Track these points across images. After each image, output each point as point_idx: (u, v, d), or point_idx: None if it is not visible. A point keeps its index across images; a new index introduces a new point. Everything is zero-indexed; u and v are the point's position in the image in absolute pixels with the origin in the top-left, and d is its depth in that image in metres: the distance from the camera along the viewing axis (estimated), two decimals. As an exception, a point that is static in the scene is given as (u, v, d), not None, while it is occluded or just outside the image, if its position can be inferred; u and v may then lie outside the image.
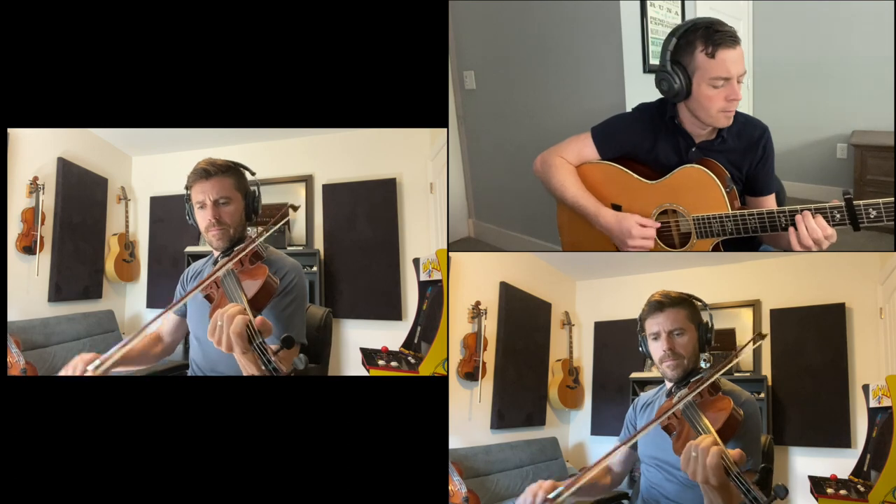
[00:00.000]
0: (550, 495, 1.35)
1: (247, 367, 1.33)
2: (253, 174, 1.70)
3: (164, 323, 1.89)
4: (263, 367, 1.27)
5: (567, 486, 1.37)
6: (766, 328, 3.23)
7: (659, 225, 1.79)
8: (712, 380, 1.43)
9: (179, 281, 1.86)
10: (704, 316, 1.59)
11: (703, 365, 1.57)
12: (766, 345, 3.21)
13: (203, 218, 1.63)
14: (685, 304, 1.58)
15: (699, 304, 1.60)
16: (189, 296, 1.51)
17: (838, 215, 1.54)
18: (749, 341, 1.62)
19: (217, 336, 1.29)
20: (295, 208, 1.65)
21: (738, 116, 1.75)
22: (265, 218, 1.65)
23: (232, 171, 1.66)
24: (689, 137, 1.79)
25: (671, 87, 1.69)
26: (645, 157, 1.85)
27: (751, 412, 1.49)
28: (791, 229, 1.59)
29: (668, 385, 1.62)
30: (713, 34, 1.64)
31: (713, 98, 1.67)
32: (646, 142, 1.83)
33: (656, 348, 1.58)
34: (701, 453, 1.26)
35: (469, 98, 3.49)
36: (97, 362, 1.43)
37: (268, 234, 1.50)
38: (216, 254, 1.70)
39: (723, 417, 1.37)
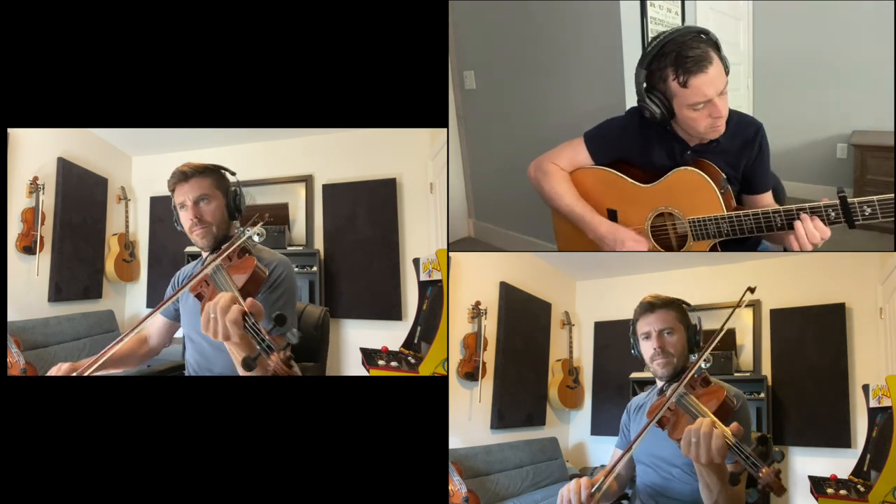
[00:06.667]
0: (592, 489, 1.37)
1: (237, 354, 1.33)
2: (233, 174, 1.73)
3: (152, 324, 1.91)
4: (258, 347, 1.26)
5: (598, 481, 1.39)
6: (766, 328, 3.23)
7: (648, 245, 1.81)
8: (700, 361, 1.48)
9: (170, 284, 1.87)
10: (693, 318, 1.66)
11: (703, 366, 1.57)
12: (765, 345, 3.21)
13: (185, 219, 1.67)
14: (674, 305, 1.65)
15: (687, 306, 1.67)
16: (176, 295, 1.56)
17: (833, 213, 1.55)
18: (740, 301, 1.65)
19: (212, 328, 1.29)
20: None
21: (732, 115, 1.73)
22: (270, 219, 1.67)
23: (210, 171, 1.70)
24: (684, 142, 1.78)
25: (653, 115, 1.69)
26: (639, 160, 1.84)
27: (742, 403, 1.54)
28: (791, 233, 1.59)
29: (660, 384, 1.66)
30: (683, 62, 1.59)
31: (697, 119, 1.66)
32: (640, 146, 1.82)
33: (647, 347, 1.63)
34: (703, 438, 1.29)
35: (469, 98, 3.49)
36: (74, 374, 1.49)
37: (253, 230, 1.54)
38: (205, 255, 1.71)
39: (716, 404, 1.41)
